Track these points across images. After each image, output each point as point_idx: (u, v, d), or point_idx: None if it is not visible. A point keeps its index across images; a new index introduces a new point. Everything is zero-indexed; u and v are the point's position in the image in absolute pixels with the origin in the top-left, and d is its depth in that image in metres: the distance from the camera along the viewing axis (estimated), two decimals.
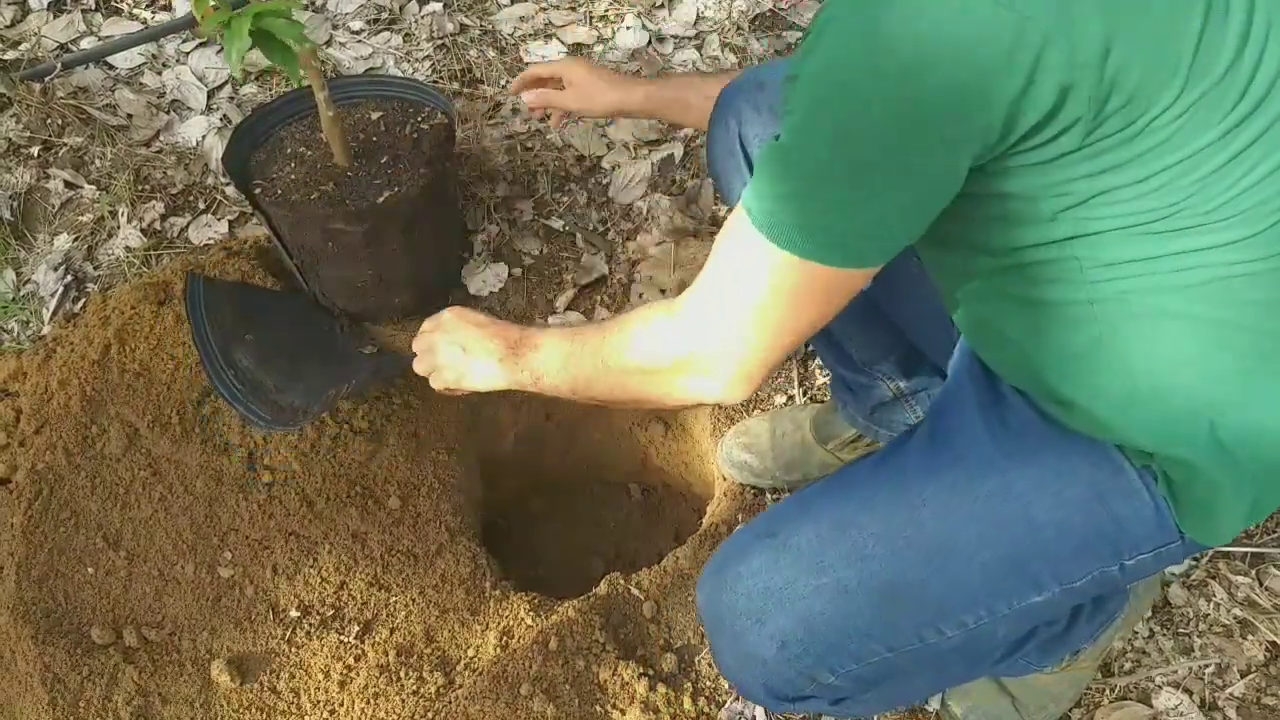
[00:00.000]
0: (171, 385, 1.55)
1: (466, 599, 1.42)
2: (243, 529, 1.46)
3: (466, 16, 2.14)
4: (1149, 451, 0.86)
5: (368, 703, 1.31)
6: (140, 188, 1.84)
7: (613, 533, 1.94)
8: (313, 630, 1.38)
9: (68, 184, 1.85)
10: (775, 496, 1.53)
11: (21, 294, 1.74)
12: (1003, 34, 0.64)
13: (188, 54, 2.09)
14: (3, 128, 1.90)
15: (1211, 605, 1.39)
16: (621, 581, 1.42)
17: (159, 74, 2.05)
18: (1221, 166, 0.72)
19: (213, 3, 1.21)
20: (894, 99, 0.68)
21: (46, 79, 1.93)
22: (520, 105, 1.95)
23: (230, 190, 1.84)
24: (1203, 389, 0.81)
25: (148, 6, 2.19)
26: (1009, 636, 1.08)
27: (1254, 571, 1.42)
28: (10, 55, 2.01)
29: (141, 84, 2.03)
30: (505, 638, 1.37)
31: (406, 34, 2.11)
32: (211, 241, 1.78)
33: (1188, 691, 1.31)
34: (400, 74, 2.02)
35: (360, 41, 2.10)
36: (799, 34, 2.10)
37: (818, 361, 1.66)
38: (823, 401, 1.60)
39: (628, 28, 2.11)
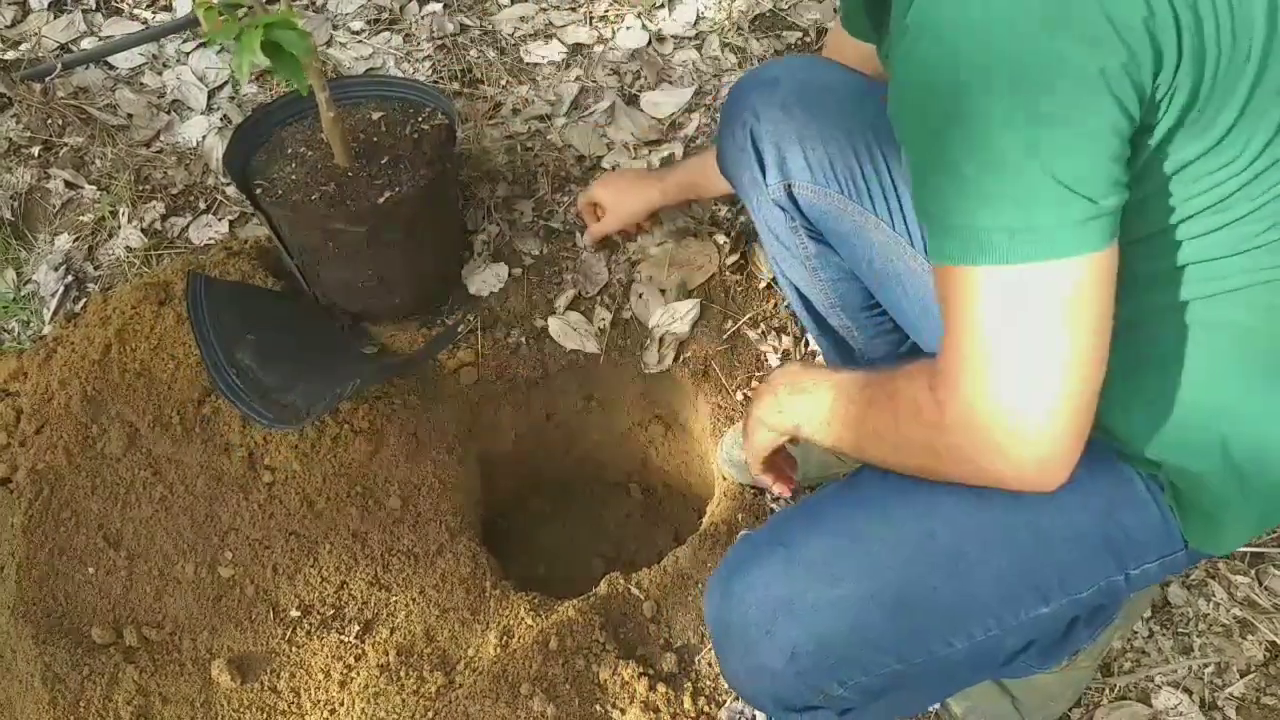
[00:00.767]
0: (172, 385, 1.55)
1: (467, 598, 1.42)
2: (243, 528, 1.46)
3: (467, 17, 2.15)
4: (1156, 461, 0.86)
5: (368, 702, 1.31)
6: (141, 188, 1.84)
7: (613, 533, 1.94)
8: (313, 630, 1.38)
9: (68, 184, 1.85)
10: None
11: (22, 294, 1.74)
12: None
13: (188, 54, 2.09)
14: (3, 128, 1.90)
15: (1211, 605, 1.39)
16: (621, 581, 1.43)
17: (159, 74, 2.05)
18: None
19: (221, 16, 1.21)
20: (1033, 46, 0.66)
21: (47, 79, 1.93)
22: (520, 107, 1.96)
23: (231, 190, 1.85)
24: (1219, 401, 0.81)
25: (148, 6, 2.20)
26: (1014, 646, 1.08)
27: (1254, 571, 1.42)
28: (11, 55, 2.02)
29: (142, 84, 2.03)
30: (505, 637, 1.37)
31: (407, 34, 2.12)
32: (212, 242, 1.78)
33: (1187, 691, 1.31)
34: (400, 74, 2.02)
35: (360, 42, 2.10)
36: (799, 34, 2.10)
37: (819, 360, 1.65)
38: None
39: (628, 28, 2.11)
